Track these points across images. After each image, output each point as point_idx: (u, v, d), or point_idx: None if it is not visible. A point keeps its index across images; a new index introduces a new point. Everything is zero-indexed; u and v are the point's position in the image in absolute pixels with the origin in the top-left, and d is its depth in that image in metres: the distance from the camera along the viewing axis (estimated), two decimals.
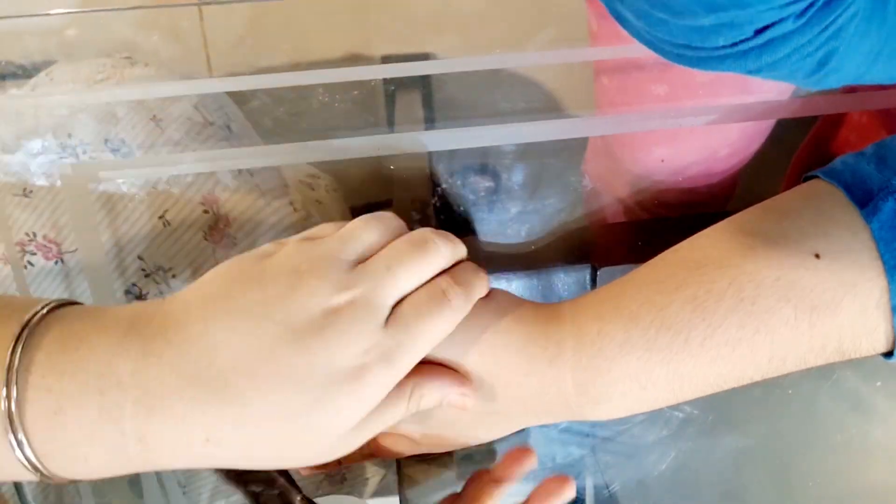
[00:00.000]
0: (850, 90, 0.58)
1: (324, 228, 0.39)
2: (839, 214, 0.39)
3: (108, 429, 0.32)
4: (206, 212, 0.61)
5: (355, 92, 0.77)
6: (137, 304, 0.37)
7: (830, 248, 0.38)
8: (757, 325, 0.38)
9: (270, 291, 0.35)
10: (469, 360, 0.40)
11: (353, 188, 0.76)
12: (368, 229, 0.38)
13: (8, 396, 0.32)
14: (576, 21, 0.73)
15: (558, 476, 0.43)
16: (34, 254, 0.58)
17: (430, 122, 0.82)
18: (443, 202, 0.72)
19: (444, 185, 0.71)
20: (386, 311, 0.36)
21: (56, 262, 0.58)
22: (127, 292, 0.59)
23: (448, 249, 0.39)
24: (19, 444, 0.32)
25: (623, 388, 0.40)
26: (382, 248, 0.38)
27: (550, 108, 0.88)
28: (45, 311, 0.34)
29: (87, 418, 0.32)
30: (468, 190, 0.73)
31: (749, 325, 0.38)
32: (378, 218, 0.39)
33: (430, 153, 0.72)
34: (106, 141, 0.60)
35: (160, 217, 0.60)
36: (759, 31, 0.33)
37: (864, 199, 0.38)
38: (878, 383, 0.61)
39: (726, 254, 0.40)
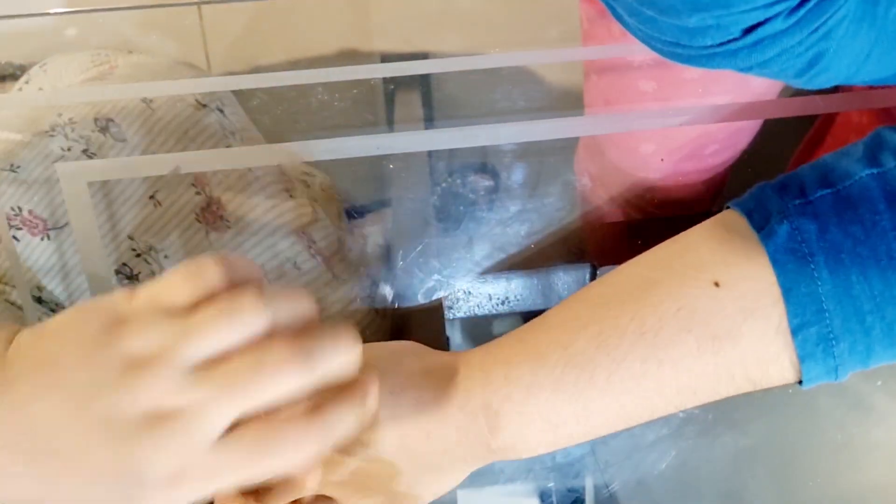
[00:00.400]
0: (847, 89, 0.58)
1: (180, 287, 0.35)
2: (740, 242, 0.39)
3: None
4: (197, 193, 0.60)
5: (355, 91, 0.77)
6: None
7: (730, 275, 0.38)
8: (660, 357, 0.39)
9: (102, 377, 0.33)
10: (385, 418, 0.41)
11: (353, 187, 0.76)
12: (219, 331, 0.34)
13: None
14: (575, 20, 0.73)
15: None
16: (20, 229, 0.57)
17: (429, 120, 0.82)
18: (442, 201, 0.72)
19: (443, 184, 0.71)
20: (211, 434, 0.33)
21: (42, 239, 0.57)
22: (117, 272, 0.59)
23: (298, 373, 0.34)
24: None
25: (535, 428, 0.40)
26: (232, 352, 0.34)
27: (550, 106, 0.88)
28: None
29: None
30: (468, 189, 0.73)
31: (652, 358, 0.39)
32: (235, 314, 0.34)
33: (429, 152, 0.72)
34: (96, 120, 0.59)
35: (151, 197, 0.59)
36: (747, 31, 0.33)
37: (763, 223, 0.38)
38: (879, 382, 0.61)
39: (630, 289, 0.40)
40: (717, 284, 0.38)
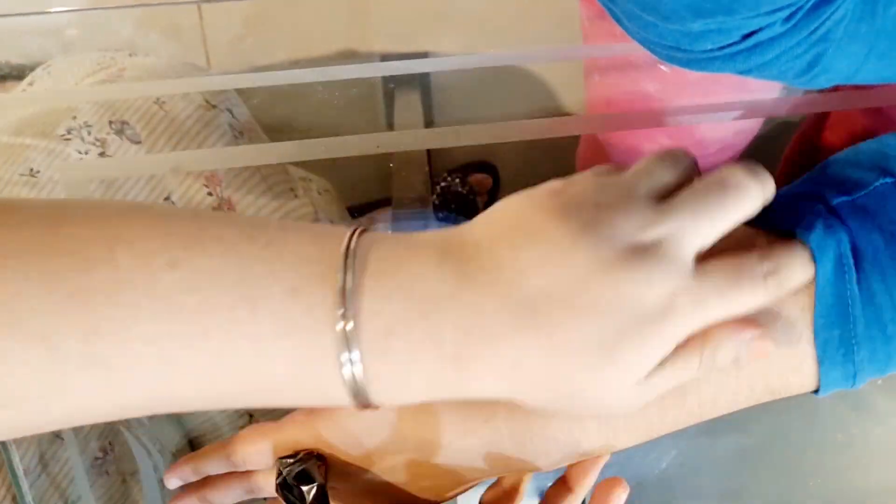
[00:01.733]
0: (846, 88, 0.58)
1: (610, 167, 0.37)
2: None
3: (430, 350, 0.33)
4: (209, 194, 0.60)
5: (355, 90, 0.78)
6: (440, 232, 0.36)
7: None
8: None
9: (573, 224, 0.34)
10: (407, 426, 0.41)
11: (353, 186, 0.76)
12: (663, 166, 0.36)
13: (345, 316, 0.32)
14: (575, 20, 0.73)
15: (613, 479, 0.43)
16: None
17: (429, 119, 0.82)
18: (442, 200, 0.72)
19: (443, 183, 0.71)
20: (691, 260, 0.34)
21: None
22: None
23: (757, 190, 0.36)
24: (352, 363, 0.32)
25: (558, 443, 0.41)
26: (680, 186, 0.36)
27: (550, 105, 0.88)
28: (357, 235, 0.34)
29: (412, 341, 0.33)
30: (467, 188, 0.73)
31: None
32: (671, 155, 0.37)
33: (429, 151, 0.72)
34: (110, 123, 0.59)
35: (166, 198, 0.59)
36: (746, 36, 0.33)
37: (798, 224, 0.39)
38: (879, 382, 0.61)
39: None
40: None
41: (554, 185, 0.36)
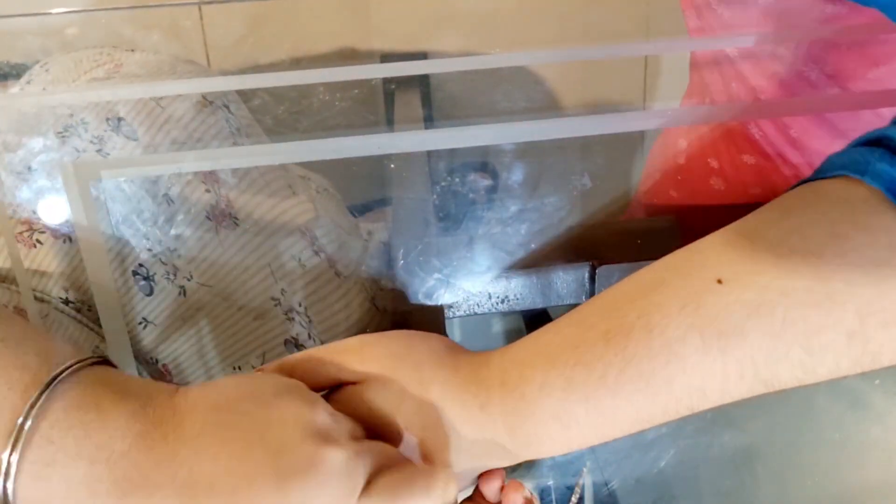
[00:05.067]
0: (845, 89, 0.59)
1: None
2: (747, 244, 0.39)
3: (84, 497, 0.34)
4: (207, 191, 0.60)
5: (355, 91, 0.78)
6: (155, 385, 0.38)
7: (733, 272, 0.39)
8: (667, 354, 0.39)
9: (272, 422, 0.37)
10: (410, 408, 0.42)
11: (353, 186, 0.76)
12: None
13: (15, 441, 0.34)
14: (575, 20, 0.73)
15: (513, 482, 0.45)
16: (43, 232, 0.57)
17: (429, 120, 0.83)
18: (442, 200, 0.72)
19: (443, 184, 0.71)
20: (363, 480, 0.38)
21: (65, 241, 0.58)
22: (135, 273, 0.59)
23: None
24: (4, 491, 0.33)
25: (547, 428, 0.41)
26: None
27: (550, 106, 0.89)
28: (76, 367, 0.36)
29: (71, 480, 0.34)
30: (467, 188, 0.73)
31: (660, 356, 0.39)
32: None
33: (429, 152, 0.72)
34: (107, 120, 0.59)
35: (164, 195, 0.59)
36: None
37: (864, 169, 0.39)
38: (877, 381, 0.61)
39: (637, 289, 0.41)
40: (719, 281, 0.39)
41: (288, 384, 0.40)
